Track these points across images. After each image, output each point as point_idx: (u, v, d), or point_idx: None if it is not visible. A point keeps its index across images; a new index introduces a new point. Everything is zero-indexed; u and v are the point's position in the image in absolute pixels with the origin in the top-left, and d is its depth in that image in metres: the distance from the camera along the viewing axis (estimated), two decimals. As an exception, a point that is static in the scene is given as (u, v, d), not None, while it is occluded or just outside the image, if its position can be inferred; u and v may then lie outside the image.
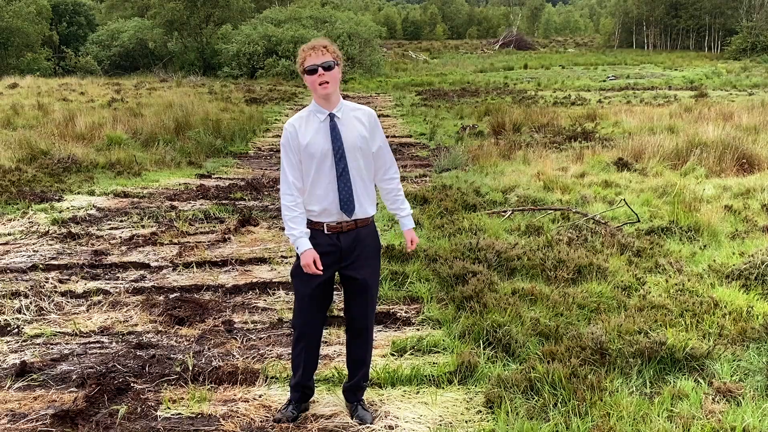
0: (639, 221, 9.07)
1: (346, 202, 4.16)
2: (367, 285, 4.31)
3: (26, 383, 5.04)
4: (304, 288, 4.28)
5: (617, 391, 4.69)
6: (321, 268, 4.16)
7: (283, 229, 9.02)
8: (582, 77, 44.88)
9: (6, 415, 4.58)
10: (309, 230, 4.22)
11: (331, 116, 4.17)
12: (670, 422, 4.28)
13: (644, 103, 27.03)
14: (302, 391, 4.55)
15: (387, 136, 19.93)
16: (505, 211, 9.82)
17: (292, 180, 4.19)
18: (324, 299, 4.37)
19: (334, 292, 4.55)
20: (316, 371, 5.01)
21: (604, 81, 41.61)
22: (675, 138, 14.74)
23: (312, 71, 4.08)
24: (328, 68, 4.08)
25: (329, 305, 4.48)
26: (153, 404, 4.72)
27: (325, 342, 5.68)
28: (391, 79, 44.78)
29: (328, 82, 4.08)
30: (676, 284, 6.57)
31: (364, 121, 4.24)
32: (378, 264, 4.45)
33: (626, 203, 9.63)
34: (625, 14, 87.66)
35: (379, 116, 17.54)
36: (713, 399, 4.59)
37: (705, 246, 8.14)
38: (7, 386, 4.99)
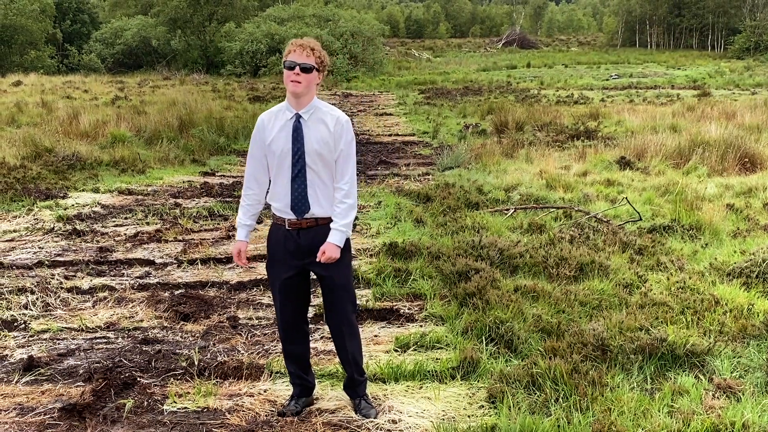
0: (641, 219, 9.11)
1: (297, 203, 4.23)
2: (333, 282, 4.32)
3: (34, 378, 5.09)
4: (273, 280, 4.41)
5: (618, 387, 4.73)
6: (245, 262, 4.41)
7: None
8: (585, 76, 44.90)
9: (14, 409, 4.63)
10: (253, 223, 4.47)
11: (298, 116, 4.22)
12: (671, 417, 4.33)
13: (647, 102, 27.05)
14: (300, 385, 4.60)
15: (390, 135, 19.62)
16: (507, 209, 9.87)
17: (252, 171, 4.40)
18: (296, 294, 4.40)
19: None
20: (320, 366, 5.07)
21: (607, 80, 41.62)
22: (677, 137, 14.76)
23: (290, 67, 4.13)
24: (305, 69, 4.13)
25: (306, 302, 4.51)
26: (159, 398, 4.78)
27: (329, 338, 5.73)
28: (394, 77, 44.83)
29: (300, 82, 4.13)
30: (677, 282, 6.61)
31: (330, 126, 4.22)
32: (346, 260, 4.37)
33: (628, 202, 9.67)
34: (629, 13, 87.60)
35: (381, 115, 17.72)
36: (713, 395, 4.64)
37: (706, 244, 8.18)
38: (14, 380, 5.04)
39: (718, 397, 4.61)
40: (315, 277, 4.44)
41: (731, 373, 4.98)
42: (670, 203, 9.88)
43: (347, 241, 4.35)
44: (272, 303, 6.56)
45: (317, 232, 4.26)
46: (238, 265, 4.39)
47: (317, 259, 4.22)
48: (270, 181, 4.38)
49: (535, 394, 4.65)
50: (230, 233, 9.05)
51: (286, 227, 4.29)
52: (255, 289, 7.04)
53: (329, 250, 4.20)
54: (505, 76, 45.06)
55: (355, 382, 4.58)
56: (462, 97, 30.63)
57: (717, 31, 79.75)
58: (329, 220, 4.28)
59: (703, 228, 8.62)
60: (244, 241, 4.44)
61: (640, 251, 7.77)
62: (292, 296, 4.40)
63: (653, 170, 12.68)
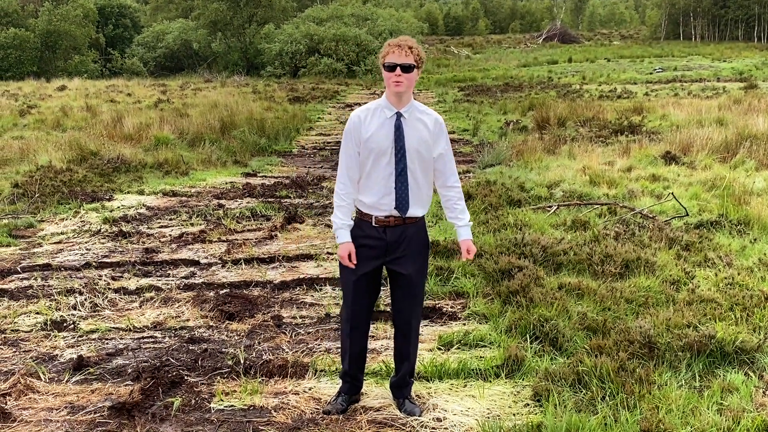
0: (688, 215, 8.97)
1: (401, 201, 4.25)
2: (412, 281, 4.37)
3: (83, 377, 5.19)
4: (349, 277, 4.39)
5: (666, 385, 4.67)
6: (355, 262, 4.29)
7: (328, 226, 9.13)
8: (628, 70, 44.30)
9: (65, 408, 4.72)
10: (352, 223, 4.35)
11: (398, 115, 4.25)
12: (720, 415, 4.26)
13: (692, 96, 26.60)
14: (351, 383, 4.63)
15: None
16: (550, 207, 9.78)
17: (346, 170, 4.32)
18: (369, 290, 4.44)
19: (382, 288, 4.61)
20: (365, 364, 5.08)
21: (651, 73, 41.02)
22: (724, 130, 14.50)
23: (391, 68, 4.16)
24: (406, 69, 4.16)
25: (376, 298, 4.55)
26: (206, 396, 4.84)
27: (373, 336, 5.74)
28: (433, 75, 44.68)
29: (402, 82, 4.16)
30: (725, 278, 6.50)
31: (429, 126, 4.30)
32: (425, 261, 4.48)
33: (674, 197, 9.52)
34: (672, 5, 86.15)
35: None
36: (764, 392, 4.55)
37: (755, 239, 8.03)
38: (65, 380, 5.14)
39: (769, 395, 4.52)
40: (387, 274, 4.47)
41: (783, 370, 4.88)
42: (718, 198, 9.72)
43: (426, 244, 4.46)
44: (316, 302, 6.65)
45: (405, 229, 4.32)
46: (349, 266, 4.33)
47: (463, 259, 4.46)
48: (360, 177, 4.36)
49: (581, 392, 4.61)
50: (273, 233, 9.11)
51: (373, 223, 4.31)
52: (298, 288, 7.08)
53: (471, 246, 4.44)
54: (546, 72, 44.67)
55: (405, 382, 4.60)
56: (502, 94, 30.46)
57: (764, 22, 78.06)
58: (416, 219, 4.34)
59: (752, 223, 8.47)
60: (350, 242, 4.32)
61: (687, 247, 7.65)
62: (367, 292, 4.44)
63: (699, 165, 12.47)
